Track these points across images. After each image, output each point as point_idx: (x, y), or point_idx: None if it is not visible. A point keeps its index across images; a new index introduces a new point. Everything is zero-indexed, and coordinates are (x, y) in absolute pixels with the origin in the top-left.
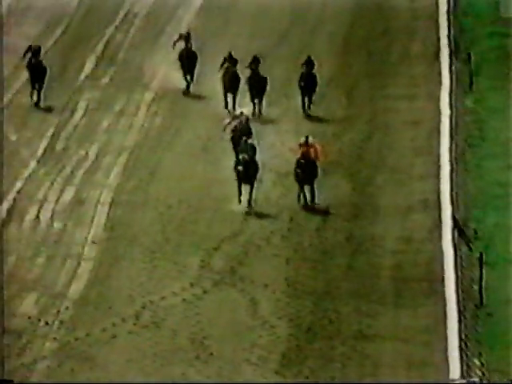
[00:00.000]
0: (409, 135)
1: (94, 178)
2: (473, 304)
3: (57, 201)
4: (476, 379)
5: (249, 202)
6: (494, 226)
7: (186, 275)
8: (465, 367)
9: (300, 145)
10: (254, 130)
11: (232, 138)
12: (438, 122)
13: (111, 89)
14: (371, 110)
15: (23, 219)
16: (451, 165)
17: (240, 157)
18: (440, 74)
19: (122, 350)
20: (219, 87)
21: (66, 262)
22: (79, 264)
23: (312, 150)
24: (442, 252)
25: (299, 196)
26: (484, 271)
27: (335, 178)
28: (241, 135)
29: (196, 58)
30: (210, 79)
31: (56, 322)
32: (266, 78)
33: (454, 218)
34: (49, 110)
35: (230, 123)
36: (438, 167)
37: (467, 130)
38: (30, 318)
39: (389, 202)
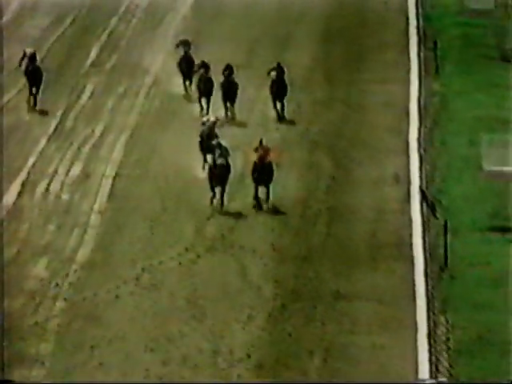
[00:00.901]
0: (381, 115)
1: (99, 154)
2: (438, 267)
3: (66, 174)
4: (444, 379)
5: (221, 203)
6: (458, 197)
7: (182, 241)
8: (432, 324)
9: (256, 148)
10: (228, 133)
11: (200, 142)
12: (408, 103)
13: (114, 74)
14: (348, 93)
15: (35, 191)
16: (419, 142)
17: (218, 162)
18: (409, 60)
19: (124, 309)
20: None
21: (74, 230)
22: (86, 231)
23: (267, 152)
24: (410, 220)
25: (256, 196)
26: (448, 237)
27: (316, 154)
28: (207, 139)
29: (194, 63)
30: None
31: (65, 284)
32: (237, 83)
33: (421, 190)
34: (58, 92)
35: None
36: (408, 144)
37: (434, 110)
38: (41, 280)
39: (364, 175)
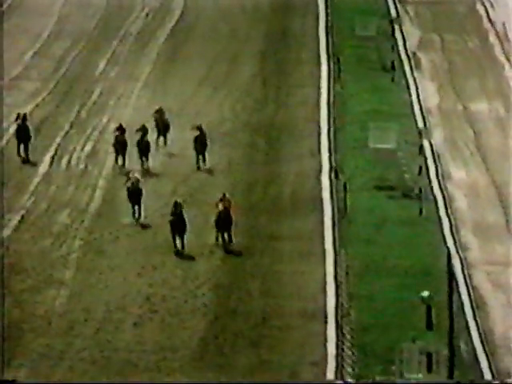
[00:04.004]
0: (301, 109)
1: (104, 137)
2: (340, 215)
3: (81, 150)
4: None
5: (182, 248)
6: (353, 166)
7: (162, 199)
8: (337, 256)
9: (220, 199)
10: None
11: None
12: (319, 100)
13: (115, 80)
14: (279, 94)
15: (61, 162)
16: (328, 127)
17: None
18: (320, 70)
19: (122, 246)
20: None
21: (87, 190)
22: (95, 191)
23: (228, 204)
24: (321, 182)
25: (217, 239)
26: (347, 194)
27: (254, 137)
28: (132, 192)
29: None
30: None
31: (81, 228)
32: (149, 142)
33: (329, 161)
34: (76, 93)
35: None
36: (319, 129)
37: (336, 105)
38: (65, 225)
39: (289, 151)
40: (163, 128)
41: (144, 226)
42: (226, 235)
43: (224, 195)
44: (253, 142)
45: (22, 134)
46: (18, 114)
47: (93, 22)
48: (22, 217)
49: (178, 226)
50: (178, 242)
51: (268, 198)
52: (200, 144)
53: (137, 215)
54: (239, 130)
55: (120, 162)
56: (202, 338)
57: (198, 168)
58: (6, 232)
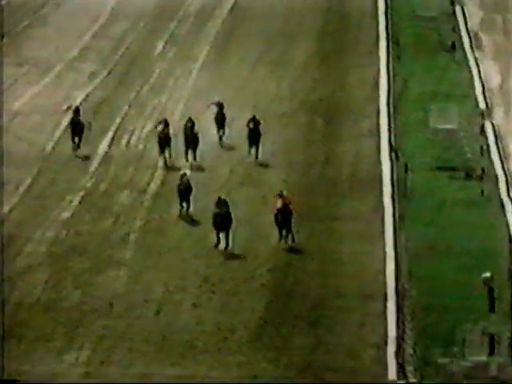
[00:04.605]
0: (360, 89)
1: (164, 116)
2: (400, 195)
3: (141, 131)
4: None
5: (226, 247)
6: (414, 146)
7: (219, 180)
8: (397, 237)
9: (279, 196)
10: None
11: (178, 192)
12: (378, 80)
13: (173, 61)
14: (337, 74)
15: (120, 143)
16: (388, 107)
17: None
18: (379, 51)
19: (181, 226)
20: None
21: (147, 170)
22: (154, 172)
23: (287, 200)
24: (380, 163)
25: (280, 238)
26: (408, 174)
27: (313, 117)
28: (184, 190)
29: (225, 119)
30: None
31: (141, 208)
32: (197, 134)
33: (389, 141)
34: (136, 74)
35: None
36: (378, 108)
37: (397, 85)
38: (125, 205)
39: (348, 131)
40: (222, 121)
41: (202, 208)
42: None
43: (281, 192)
44: (311, 122)
45: (75, 127)
46: (71, 106)
47: (152, 3)
48: (83, 198)
49: (222, 222)
50: (221, 238)
51: (326, 178)
52: (254, 134)
53: (184, 211)
54: (297, 110)
55: (167, 155)
56: (261, 318)
57: (249, 153)
58: (67, 213)
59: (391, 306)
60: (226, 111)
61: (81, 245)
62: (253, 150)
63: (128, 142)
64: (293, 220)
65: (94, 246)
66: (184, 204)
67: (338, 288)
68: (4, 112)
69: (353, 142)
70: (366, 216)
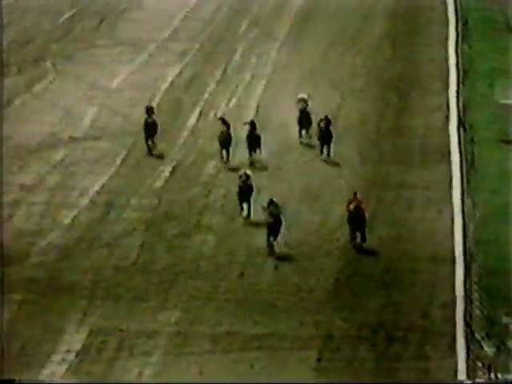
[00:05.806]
0: (430, 67)
1: (247, 92)
2: (468, 165)
3: (226, 105)
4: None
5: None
6: (481, 120)
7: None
8: (464, 204)
9: (354, 198)
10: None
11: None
12: (447, 59)
13: (253, 41)
14: (409, 53)
15: (207, 116)
16: (457, 84)
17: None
18: (448, 32)
19: (262, 193)
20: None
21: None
22: (238, 144)
23: (360, 203)
24: (449, 135)
25: (351, 239)
26: (475, 147)
27: (385, 93)
28: (245, 190)
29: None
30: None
31: (225, 178)
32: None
33: (458, 116)
34: (221, 54)
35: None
36: (447, 85)
37: (464, 63)
38: (211, 175)
39: (419, 105)
40: (307, 120)
41: (282, 179)
42: (358, 233)
43: (355, 194)
44: (383, 97)
45: (149, 128)
46: (146, 107)
47: None
48: (173, 168)
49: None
50: (244, 208)
51: (398, 149)
52: (325, 135)
53: (245, 213)
54: (371, 85)
55: (224, 155)
56: (336, 279)
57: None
58: (159, 183)
59: (459, 268)
60: (304, 86)
61: (171, 211)
62: (325, 150)
63: (214, 115)
64: (365, 222)
65: (183, 212)
66: (244, 205)
67: (410, 252)
68: (101, 89)
69: (423, 115)
70: (436, 185)
